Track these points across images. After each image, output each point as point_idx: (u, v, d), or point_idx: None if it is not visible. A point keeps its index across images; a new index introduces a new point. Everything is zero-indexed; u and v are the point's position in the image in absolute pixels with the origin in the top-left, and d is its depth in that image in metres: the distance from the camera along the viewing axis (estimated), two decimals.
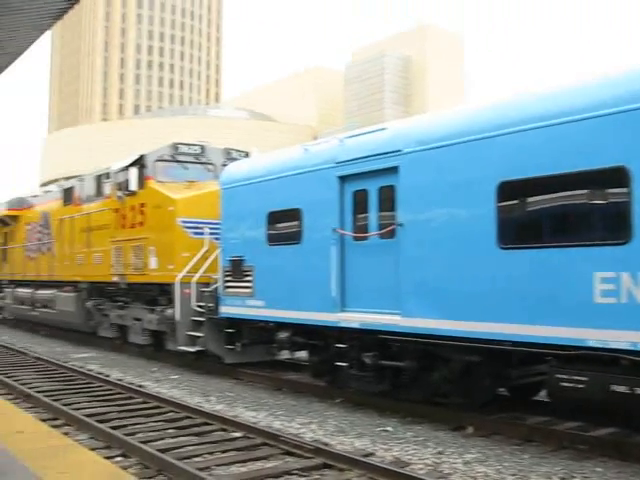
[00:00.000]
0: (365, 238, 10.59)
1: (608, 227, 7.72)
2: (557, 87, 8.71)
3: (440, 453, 8.36)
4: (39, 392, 12.13)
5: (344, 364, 10.93)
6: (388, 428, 9.65)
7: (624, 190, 7.38)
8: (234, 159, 16.49)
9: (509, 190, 8.50)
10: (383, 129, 10.80)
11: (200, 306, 14.34)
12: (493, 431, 9.26)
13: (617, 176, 7.44)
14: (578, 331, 7.63)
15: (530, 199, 8.40)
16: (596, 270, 7.49)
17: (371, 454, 8.36)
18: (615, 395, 7.42)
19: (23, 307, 24.87)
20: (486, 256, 8.63)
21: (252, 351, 14.26)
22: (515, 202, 8.56)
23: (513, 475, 7.46)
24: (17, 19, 8.45)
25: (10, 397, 11.79)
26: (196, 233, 15.02)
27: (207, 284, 14.38)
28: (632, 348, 7.19)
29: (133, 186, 16.30)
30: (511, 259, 8.39)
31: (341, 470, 7.67)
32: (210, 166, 16.88)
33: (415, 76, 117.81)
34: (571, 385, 7.77)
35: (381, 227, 10.32)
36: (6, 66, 10.77)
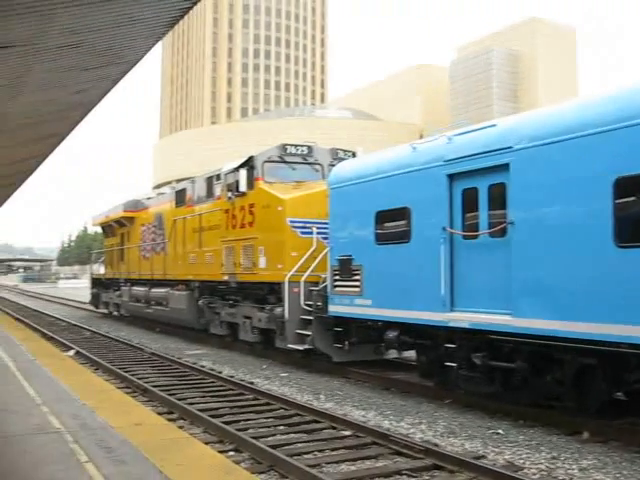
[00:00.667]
0: (475, 237, 10.42)
1: None
2: None
3: (554, 458, 8.11)
4: (155, 386, 12.58)
5: (453, 364, 10.79)
6: (499, 431, 9.46)
7: None
8: (341, 159, 16.58)
9: (627, 186, 8.16)
10: (493, 126, 10.60)
11: (309, 305, 14.48)
12: (610, 437, 8.90)
13: None
14: None
15: None
16: None
17: (482, 457, 8.22)
18: None
19: (138, 305, 25.83)
20: (602, 254, 8.31)
21: (360, 350, 14.26)
22: (634, 198, 8.21)
23: None
24: (134, 29, 8.77)
25: (128, 391, 12.28)
26: (304, 233, 15.18)
27: (316, 283, 14.51)
28: None
29: (243, 187, 16.63)
30: (629, 257, 8.05)
31: (451, 472, 7.58)
32: (317, 166, 17.04)
33: (524, 71, 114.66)
34: None
35: (491, 225, 10.12)
36: (123, 74, 11.21)
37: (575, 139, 8.79)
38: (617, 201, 8.22)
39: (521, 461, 8.03)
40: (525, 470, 7.69)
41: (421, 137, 74.47)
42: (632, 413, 9.74)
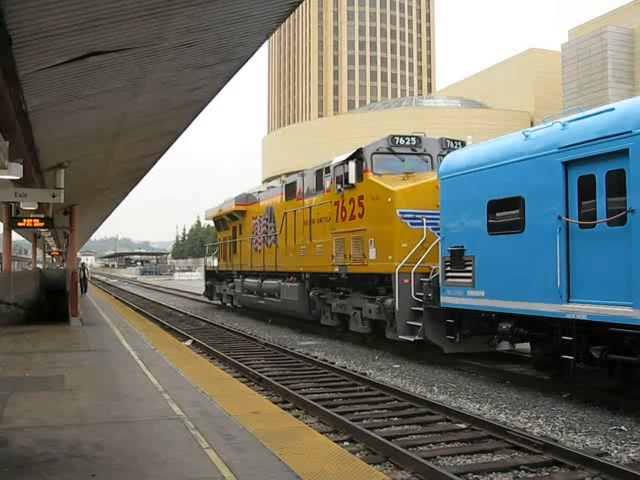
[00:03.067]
0: (592, 226, 10.07)
1: None
2: None
3: None
4: (269, 376, 12.84)
5: (570, 357, 10.47)
6: (622, 427, 9.14)
7: None
8: (450, 149, 16.39)
9: None
10: (611, 109, 10.20)
11: (419, 296, 14.40)
12: None
13: None
14: None
15: None
16: None
17: (605, 454, 7.98)
18: None
19: (251, 296, 26.40)
20: None
21: (471, 342, 14.07)
22: None
23: None
24: (245, 25, 8.95)
25: (244, 380, 12.59)
26: (414, 224, 15.10)
27: (426, 274, 14.41)
28: None
29: (352, 179, 16.72)
30: None
31: (572, 469, 7.39)
32: (426, 157, 16.91)
33: None
34: None
35: (610, 214, 9.75)
36: (235, 71, 11.45)
37: None
38: None
39: None
40: None
41: (532, 124, 72.51)
42: None
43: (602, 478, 7.04)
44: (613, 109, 10.18)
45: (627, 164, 9.40)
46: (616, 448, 8.22)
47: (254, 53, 10.45)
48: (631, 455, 7.94)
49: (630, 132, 9.36)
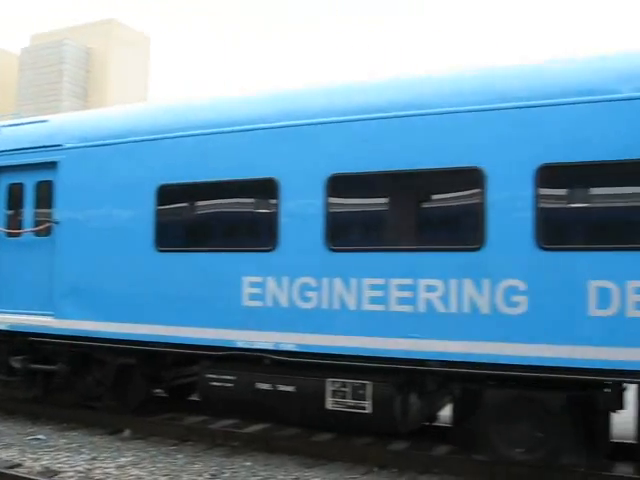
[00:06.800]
0: (19, 235, 10.03)
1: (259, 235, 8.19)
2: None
3: (94, 459, 8.19)
4: None
5: None
6: (40, 436, 9.23)
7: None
8: None
9: (165, 193, 8.61)
10: (45, 121, 10.34)
11: None
12: (150, 433, 9.26)
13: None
14: (228, 332, 7.97)
15: (182, 204, 8.63)
16: (245, 274, 7.89)
17: (19, 465, 7.90)
18: (260, 392, 7.89)
19: None
20: (143, 258, 8.67)
21: None
22: (170, 206, 8.73)
23: (166, 476, 7.54)
24: None
25: None
26: None
27: None
28: (275, 348, 7.70)
29: None
30: (166, 261, 8.51)
31: None
32: None
33: (97, 70, 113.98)
34: (220, 384, 8.09)
35: (37, 224, 9.85)
36: None
37: (123, 144, 9.02)
38: (159, 207, 8.63)
39: (59, 465, 7.93)
40: (62, 474, 7.59)
41: None
42: (173, 408, 10.31)
43: None
44: (47, 121, 10.32)
45: (56, 176, 9.59)
46: (31, 457, 8.24)
47: None
48: (44, 462, 8.04)
49: (60, 146, 9.60)
